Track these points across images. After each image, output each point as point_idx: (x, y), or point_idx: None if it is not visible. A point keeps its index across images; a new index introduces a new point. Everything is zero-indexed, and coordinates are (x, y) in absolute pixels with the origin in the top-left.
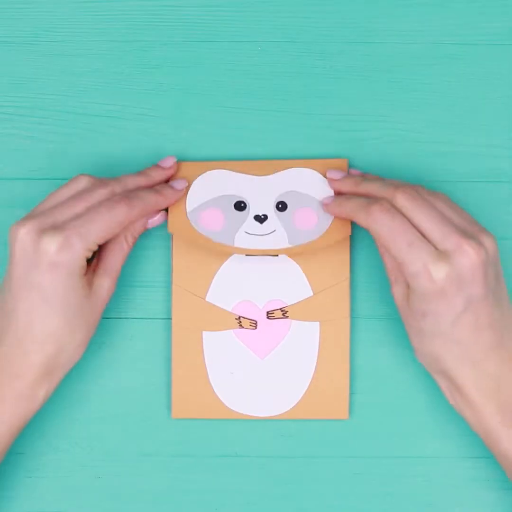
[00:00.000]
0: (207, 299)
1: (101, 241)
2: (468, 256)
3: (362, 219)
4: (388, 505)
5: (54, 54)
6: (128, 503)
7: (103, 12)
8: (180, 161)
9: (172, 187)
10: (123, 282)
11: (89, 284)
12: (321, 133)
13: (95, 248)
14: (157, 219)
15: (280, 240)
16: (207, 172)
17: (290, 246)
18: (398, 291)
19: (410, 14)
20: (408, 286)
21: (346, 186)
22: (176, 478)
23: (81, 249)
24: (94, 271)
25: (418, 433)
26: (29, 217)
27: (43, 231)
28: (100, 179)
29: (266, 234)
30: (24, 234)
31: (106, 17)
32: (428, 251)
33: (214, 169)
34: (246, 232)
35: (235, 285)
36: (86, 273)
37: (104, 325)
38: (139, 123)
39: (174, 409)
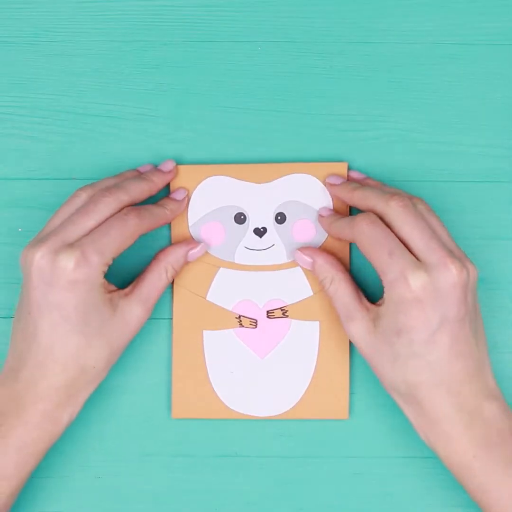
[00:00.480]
0: (207, 298)
1: (116, 255)
2: (450, 274)
3: (347, 233)
4: (388, 505)
5: (54, 54)
6: (128, 503)
7: (103, 12)
8: (179, 163)
9: (174, 200)
10: (124, 282)
11: (114, 305)
12: (321, 133)
13: (111, 262)
14: (198, 251)
15: (279, 255)
16: (207, 180)
17: (288, 261)
18: (357, 327)
19: (410, 14)
20: (368, 318)
21: (343, 192)
22: (176, 478)
23: (98, 264)
24: (126, 295)
25: None
26: (40, 240)
27: (58, 250)
28: (101, 188)
29: (265, 249)
30: (40, 258)
31: (106, 17)
32: (408, 260)
33: (214, 175)
34: (246, 247)
35: (235, 284)
36: (110, 292)
37: None
38: (139, 123)
39: (174, 409)
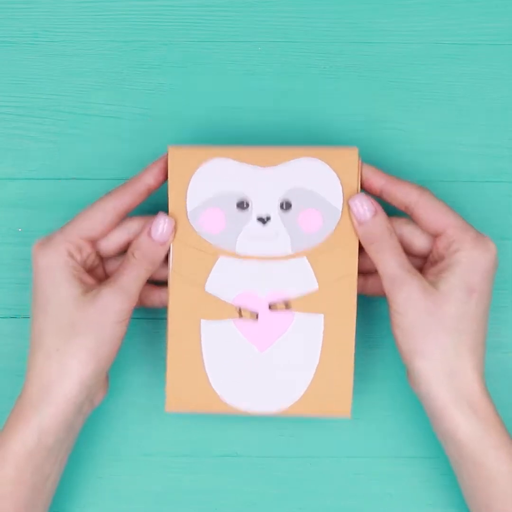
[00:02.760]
0: (206, 289)
1: (86, 233)
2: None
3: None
4: (388, 505)
5: (54, 54)
6: (128, 503)
7: (103, 12)
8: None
9: (153, 163)
10: None
11: (92, 295)
12: (321, 133)
13: (79, 242)
14: (161, 225)
15: (283, 246)
16: (208, 163)
17: (292, 253)
18: (414, 287)
19: (410, 14)
20: (423, 280)
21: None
22: (176, 478)
23: (61, 242)
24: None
25: (418, 433)
26: None
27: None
28: None
29: (268, 238)
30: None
31: (106, 17)
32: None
33: (216, 157)
34: (248, 236)
35: (235, 274)
36: (84, 283)
37: None
38: (139, 123)
39: (168, 401)
